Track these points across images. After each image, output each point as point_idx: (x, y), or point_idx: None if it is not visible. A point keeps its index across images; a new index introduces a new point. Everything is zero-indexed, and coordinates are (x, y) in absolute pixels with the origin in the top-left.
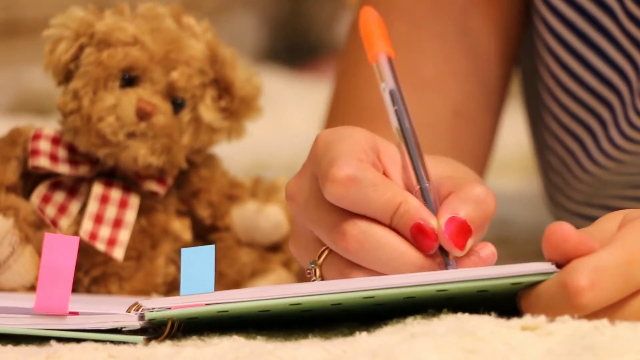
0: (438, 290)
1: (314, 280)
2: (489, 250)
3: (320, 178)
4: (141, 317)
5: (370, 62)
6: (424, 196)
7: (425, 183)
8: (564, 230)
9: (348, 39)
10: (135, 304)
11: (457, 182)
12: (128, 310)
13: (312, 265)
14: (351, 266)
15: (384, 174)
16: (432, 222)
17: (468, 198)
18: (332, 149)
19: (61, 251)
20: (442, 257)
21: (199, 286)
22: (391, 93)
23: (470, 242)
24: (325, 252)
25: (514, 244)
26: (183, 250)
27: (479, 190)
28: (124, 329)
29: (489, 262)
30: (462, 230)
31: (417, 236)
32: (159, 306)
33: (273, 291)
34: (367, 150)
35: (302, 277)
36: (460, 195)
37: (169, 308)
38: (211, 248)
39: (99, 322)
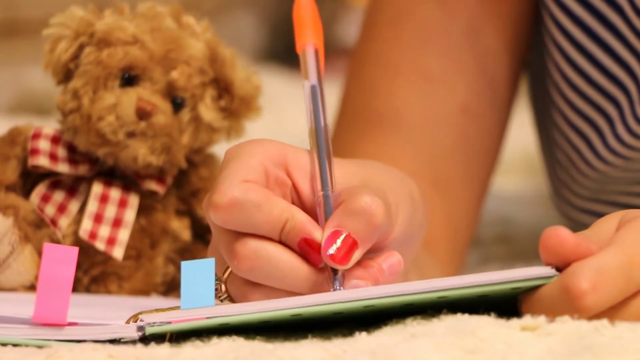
0: (439, 297)
1: (220, 297)
2: (394, 259)
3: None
4: (139, 329)
5: (297, 51)
6: (325, 204)
7: (328, 190)
8: (559, 235)
9: (357, 40)
10: (135, 315)
11: (350, 191)
12: (127, 322)
13: (217, 281)
14: (248, 284)
15: (294, 186)
16: (318, 236)
17: (352, 210)
18: (223, 169)
19: (60, 261)
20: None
21: (199, 299)
22: (312, 89)
23: (356, 255)
24: (230, 269)
25: (515, 243)
26: (183, 263)
27: (364, 201)
28: (122, 340)
29: (392, 271)
30: (345, 244)
31: (305, 251)
32: (160, 321)
33: (273, 304)
34: (268, 165)
35: None
36: (345, 207)
37: (170, 322)
38: (211, 261)
39: (97, 333)
